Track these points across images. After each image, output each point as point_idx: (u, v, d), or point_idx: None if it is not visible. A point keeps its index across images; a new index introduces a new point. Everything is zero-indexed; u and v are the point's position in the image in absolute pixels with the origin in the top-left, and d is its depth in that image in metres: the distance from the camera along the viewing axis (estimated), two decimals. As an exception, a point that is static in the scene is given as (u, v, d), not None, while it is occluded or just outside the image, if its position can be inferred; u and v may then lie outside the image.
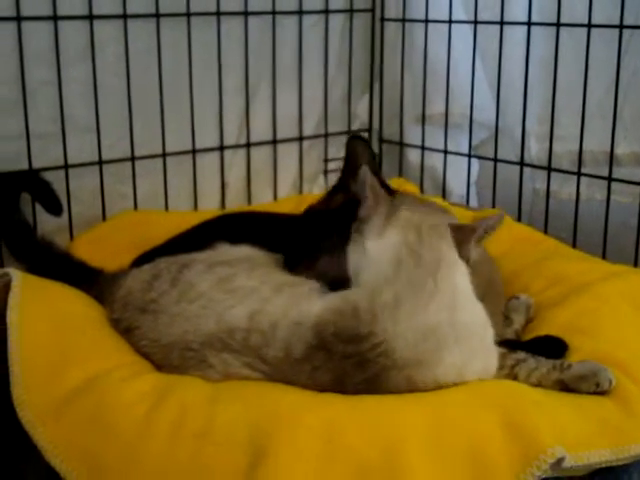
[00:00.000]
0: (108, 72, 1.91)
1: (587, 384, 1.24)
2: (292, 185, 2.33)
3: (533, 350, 1.38)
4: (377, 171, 1.63)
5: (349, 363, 1.13)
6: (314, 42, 2.27)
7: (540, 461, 1.03)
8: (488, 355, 1.22)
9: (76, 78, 1.87)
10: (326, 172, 2.38)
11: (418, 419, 1.08)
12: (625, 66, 1.81)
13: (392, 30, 2.32)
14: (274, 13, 2.15)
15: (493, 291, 1.53)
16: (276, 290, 1.25)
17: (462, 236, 1.23)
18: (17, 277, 1.33)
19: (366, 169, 1.32)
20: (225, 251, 1.41)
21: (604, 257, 1.84)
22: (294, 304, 1.21)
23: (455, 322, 1.16)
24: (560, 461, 1.04)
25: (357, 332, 1.14)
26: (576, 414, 1.16)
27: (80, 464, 1.10)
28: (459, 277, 1.21)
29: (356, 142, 1.63)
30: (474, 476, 1.04)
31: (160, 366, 1.26)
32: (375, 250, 1.23)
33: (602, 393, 1.24)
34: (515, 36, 2.02)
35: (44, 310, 1.31)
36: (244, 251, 1.41)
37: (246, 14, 2.10)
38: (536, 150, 2.05)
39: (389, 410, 1.09)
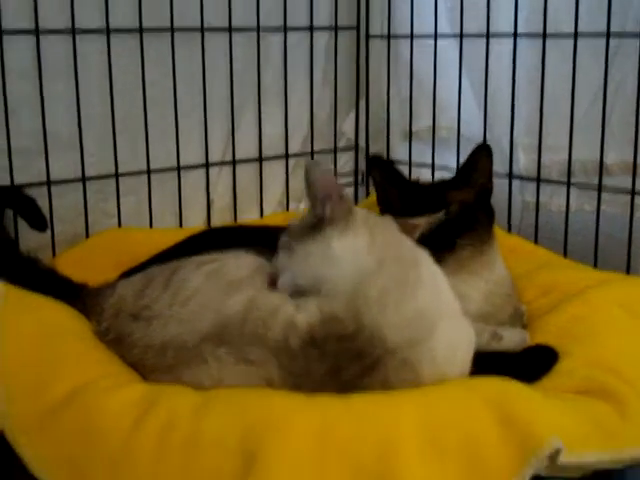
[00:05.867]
0: (91, 87, 1.89)
1: None
2: (278, 203, 2.31)
3: (524, 362, 1.37)
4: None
5: (344, 358, 1.11)
6: (299, 59, 2.26)
7: (537, 453, 1.01)
8: (469, 327, 1.24)
9: (59, 93, 1.85)
10: (313, 190, 2.36)
11: (411, 418, 1.05)
12: (612, 75, 1.81)
13: (377, 46, 2.31)
14: (258, 30, 2.14)
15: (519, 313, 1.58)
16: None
17: (406, 232, 1.28)
18: (0, 288, 1.31)
19: (317, 165, 1.27)
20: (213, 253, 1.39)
21: (595, 267, 1.82)
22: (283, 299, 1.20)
23: (440, 303, 1.20)
24: (557, 452, 1.02)
25: (344, 333, 1.12)
26: (570, 414, 1.14)
27: (66, 476, 1.06)
28: (433, 265, 1.25)
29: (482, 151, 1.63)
30: (471, 473, 1.01)
31: (152, 371, 1.22)
32: (345, 251, 1.21)
33: None
34: (501, 48, 2.01)
35: (28, 321, 1.28)
36: (232, 251, 1.39)
37: (230, 30, 2.09)
38: (524, 162, 2.04)
39: (382, 410, 1.07)
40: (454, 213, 1.52)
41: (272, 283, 1.25)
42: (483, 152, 1.61)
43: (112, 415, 1.10)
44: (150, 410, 1.10)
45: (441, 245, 1.45)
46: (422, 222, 1.31)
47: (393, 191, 1.61)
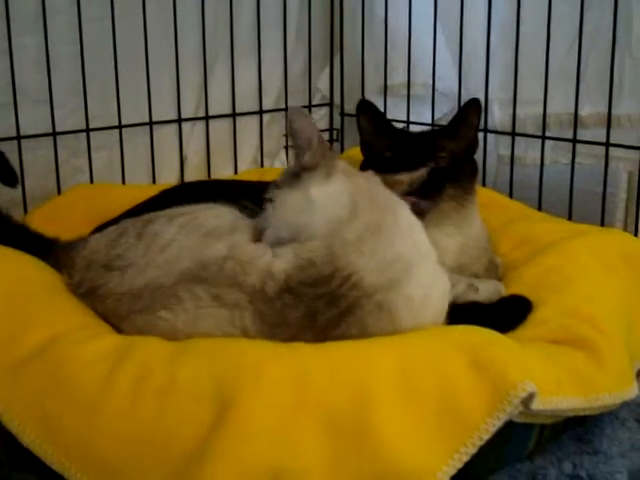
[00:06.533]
0: (61, 41, 1.87)
1: None
2: (252, 160, 2.30)
3: (499, 312, 1.37)
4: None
5: (321, 302, 1.12)
6: (272, 14, 2.24)
7: (511, 396, 1.01)
8: (443, 275, 1.25)
9: (28, 46, 1.82)
10: (287, 147, 2.34)
11: (386, 363, 1.05)
12: (586, 27, 1.80)
13: (352, 1, 2.28)
14: (231, -18, 2.11)
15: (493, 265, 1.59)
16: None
17: (390, 187, 1.28)
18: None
19: (300, 112, 1.26)
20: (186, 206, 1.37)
21: (570, 220, 1.83)
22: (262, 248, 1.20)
23: (416, 249, 1.20)
24: (531, 397, 1.02)
25: (321, 275, 1.12)
26: (544, 360, 1.15)
27: (38, 426, 1.05)
28: (409, 213, 1.25)
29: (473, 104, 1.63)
30: (445, 418, 1.02)
31: (126, 316, 1.20)
32: (323, 198, 1.21)
33: None
34: (476, 1, 2.00)
35: (-1, 274, 1.27)
36: (205, 204, 1.37)
37: (202, -18, 2.06)
38: (499, 116, 2.03)
39: (356, 355, 1.07)
40: (444, 161, 1.52)
41: (257, 238, 1.24)
42: (473, 107, 1.61)
43: (85, 366, 1.09)
44: (124, 360, 1.09)
45: (428, 190, 1.46)
46: (405, 178, 1.31)
47: (381, 138, 1.61)
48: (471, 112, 1.60)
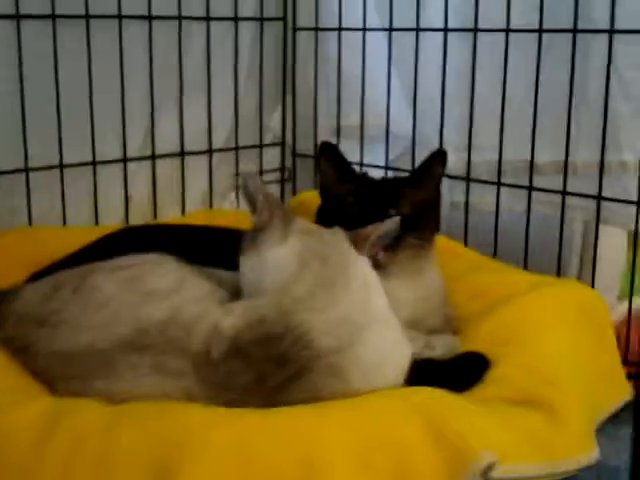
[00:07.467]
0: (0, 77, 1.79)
1: None
2: (201, 201, 2.23)
3: (456, 370, 1.32)
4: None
5: (270, 364, 1.08)
6: (223, 51, 2.18)
7: (471, 467, 0.98)
8: (402, 341, 1.23)
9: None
10: (237, 188, 2.29)
11: (338, 430, 1.01)
12: (544, 73, 1.77)
13: (304, 40, 2.25)
14: (180, 18, 2.06)
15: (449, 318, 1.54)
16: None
17: (356, 241, 1.26)
18: None
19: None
20: (129, 256, 1.30)
21: (525, 269, 1.80)
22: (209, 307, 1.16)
23: (369, 310, 1.18)
24: (491, 467, 0.98)
25: (271, 333, 1.09)
26: (502, 425, 1.11)
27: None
28: (368, 272, 1.24)
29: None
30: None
31: (59, 378, 1.13)
32: (276, 259, 1.21)
33: None
34: (431, 44, 1.97)
35: None
36: (150, 255, 1.31)
37: (150, 18, 2.00)
38: (454, 161, 1.99)
39: (306, 422, 1.02)
40: (406, 209, 1.49)
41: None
42: (438, 157, 1.58)
43: (16, 432, 1.03)
44: (58, 426, 1.03)
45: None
46: (372, 232, 1.27)
47: (342, 183, 1.56)
48: (435, 162, 1.58)
